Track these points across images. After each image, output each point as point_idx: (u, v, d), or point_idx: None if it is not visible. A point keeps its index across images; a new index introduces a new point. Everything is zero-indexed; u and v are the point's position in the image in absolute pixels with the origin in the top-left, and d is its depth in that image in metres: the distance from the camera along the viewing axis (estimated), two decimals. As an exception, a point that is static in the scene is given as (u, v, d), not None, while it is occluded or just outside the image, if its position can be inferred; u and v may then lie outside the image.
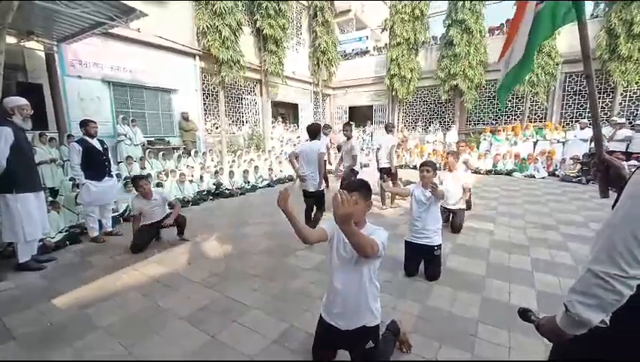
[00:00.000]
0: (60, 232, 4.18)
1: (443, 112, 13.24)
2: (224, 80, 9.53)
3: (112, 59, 7.67)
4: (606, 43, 9.40)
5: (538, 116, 11.46)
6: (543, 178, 8.66)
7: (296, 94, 13.82)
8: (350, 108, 15.79)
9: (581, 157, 8.35)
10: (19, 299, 2.73)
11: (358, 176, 5.08)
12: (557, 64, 10.22)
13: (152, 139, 8.53)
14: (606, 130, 8.25)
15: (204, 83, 10.01)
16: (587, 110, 10.45)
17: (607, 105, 10.17)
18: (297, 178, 4.34)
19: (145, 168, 6.92)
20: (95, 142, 4.13)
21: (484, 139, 10.97)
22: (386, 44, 13.81)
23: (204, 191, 6.75)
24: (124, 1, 4.71)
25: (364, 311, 1.60)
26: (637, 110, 9.83)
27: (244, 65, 9.87)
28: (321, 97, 15.03)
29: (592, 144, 8.10)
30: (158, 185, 5.98)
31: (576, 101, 10.75)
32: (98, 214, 4.24)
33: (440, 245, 2.98)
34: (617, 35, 9.13)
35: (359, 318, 1.60)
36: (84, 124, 4.10)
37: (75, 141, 4.15)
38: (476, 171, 8.96)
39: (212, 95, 10.38)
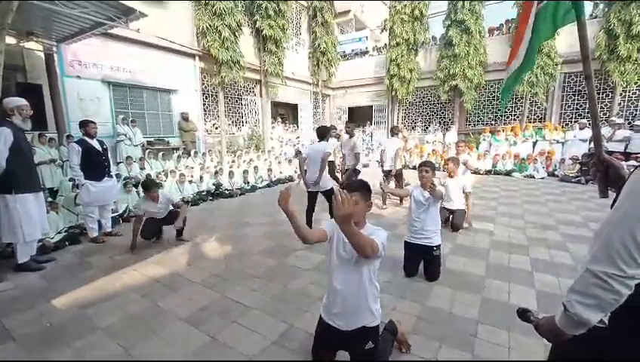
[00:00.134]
0: (59, 233, 4.18)
1: (442, 113, 13.25)
2: (224, 80, 9.53)
3: (112, 60, 7.67)
4: (605, 43, 9.42)
5: (537, 116, 11.48)
6: (543, 178, 8.67)
7: (295, 95, 13.82)
8: (350, 108, 15.79)
9: (580, 158, 8.37)
10: (18, 300, 2.73)
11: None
12: (556, 64, 10.24)
13: (152, 139, 8.53)
14: (605, 131, 8.26)
15: (203, 83, 10.01)
16: (586, 110, 10.46)
17: (606, 105, 10.19)
18: (300, 179, 4.39)
19: (144, 168, 6.92)
20: (94, 143, 4.12)
21: (484, 140, 10.98)
22: (385, 45, 13.83)
23: (203, 191, 6.75)
24: (124, 2, 4.71)
25: (363, 312, 1.60)
26: (636, 110, 9.84)
27: (243, 65, 9.87)
28: (320, 98, 15.04)
29: (591, 144, 8.10)
30: (158, 185, 5.98)
31: (576, 101, 10.77)
32: (97, 214, 4.24)
33: (439, 245, 2.98)
34: (616, 36, 9.15)
35: (359, 318, 1.60)
36: (84, 124, 4.10)
37: (75, 141, 4.15)
38: (476, 171, 8.96)
39: (212, 95, 10.38)
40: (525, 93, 10.67)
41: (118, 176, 5.60)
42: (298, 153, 8.59)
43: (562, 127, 10.30)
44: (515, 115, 11.85)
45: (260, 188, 7.76)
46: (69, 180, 5.35)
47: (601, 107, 10.11)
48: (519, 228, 4.46)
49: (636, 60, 9.06)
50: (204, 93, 10.11)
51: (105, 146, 4.28)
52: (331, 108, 16.08)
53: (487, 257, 3.49)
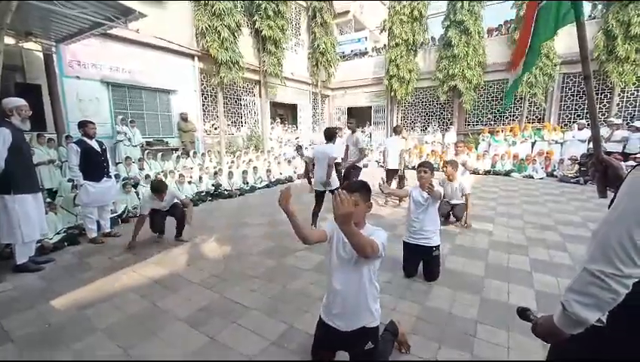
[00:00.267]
0: (58, 233, 4.17)
1: (442, 113, 13.27)
2: (223, 81, 9.52)
3: (111, 60, 7.66)
4: (603, 44, 9.45)
5: (536, 117, 11.50)
6: (542, 178, 8.68)
7: (295, 95, 13.82)
8: (349, 108, 15.80)
9: (579, 158, 8.39)
10: (17, 301, 2.72)
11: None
12: (555, 65, 10.26)
13: (151, 139, 8.53)
14: (603, 131, 8.28)
15: (202, 84, 10.01)
16: (585, 111, 10.50)
17: (604, 106, 10.21)
18: (301, 180, 4.46)
19: (143, 169, 6.91)
20: (94, 143, 4.11)
21: (483, 140, 11.00)
22: (384, 45, 13.83)
23: (202, 192, 6.74)
24: (123, 2, 4.71)
25: (363, 312, 1.59)
26: (634, 111, 9.87)
27: (243, 66, 9.87)
28: (320, 98, 15.04)
29: (590, 145, 8.11)
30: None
31: (574, 102, 10.79)
32: (96, 215, 4.23)
33: (438, 246, 2.98)
34: (615, 37, 9.18)
35: (359, 319, 1.59)
36: (83, 124, 4.09)
37: (74, 142, 4.14)
38: (475, 172, 8.98)
39: (211, 96, 10.38)
40: (524, 93, 10.69)
41: (117, 176, 5.60)
42: (299, 148, 8.59)
43: (561, 127, 10.32)
44: (514, 115, 11.87)
45: (259, 188, 7.76)
46: (68, 181, 5.34)
47: (600, 108, 10.13)
48: (518, 229, 4.47)
49: (634, 61, 9.09)
50: (203, 94, 10.11)
51: (104, 147, 4.27)
52: (330, 108, 16.09)
53: (487, 257, 3.49)
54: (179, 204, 4.22)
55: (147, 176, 6.29)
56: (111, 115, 7.78)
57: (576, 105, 10.78)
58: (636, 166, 0.85)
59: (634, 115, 9.78)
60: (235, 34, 9.46)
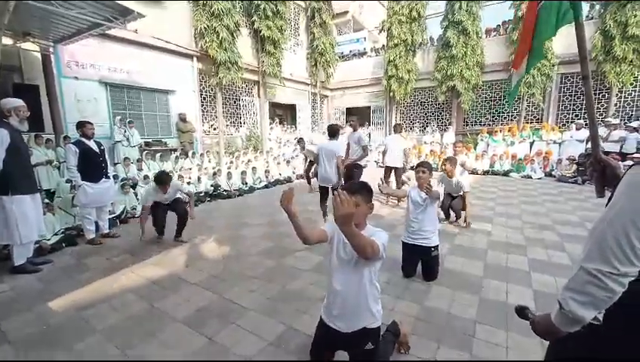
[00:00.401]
0: (56, 234, 4.15)
1: (440, 113, 13.30)
2: (222, 81, 9.51)
3: (109, 61, 7.65)
4: (601, 44, 9.49)
5: (534, 117, 11.53)
6: (540, 178, 8.71)
7: (293, 95, 13.82)
8: (348, 109, 15.81)
9: (577, 158, 8.42)
10: (14, 302, 2.71)
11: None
12: (553, 65, 10.29)
13: (150, 140, 8.51)
14: (601, 131, 8.31)
15: (201, 84, 10.00)
16: (583, 111, 10.53)
17: (602, 106, 10.25)
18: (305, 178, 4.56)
19: (142, 170, 6.89)
20: (92, 144, 4.10)
21: (481, 140, 11.02)
22: (383, 46, 13.86)
23: (201, 192, 6.72)
24: (121, 2, 4.70)
25: (364, 313, 1.59)
26: (632, 111, 9.91)
27: (241, 66, 9.86)
28: (318, 98, 15.05)
29: (588, 144, 8.15)
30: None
31: (572, 102, 10.83)
32: (95, 216, 4.22)
33: (437, 246, 2.98)
34: (612, 37, 9.22)
35: (359, 320, 1.59)
36: (81, 125, 4.08)
37: (72, 142, 4.13)
38: (473, 172, 9.00)
39: (210, 96, 10.37)
40: (522, 93, 10.72)
41: (115, 177, 5.58)
42: (300, 140, 8.59)
43: (559, 127, 10.36)
44: (512, 115, 11.91)
45: (258, 189, 7.75)
46: (66, 181, 5.32)
47: (597, 108, 10.17)
48: (517, 229, 4.48)
49: (632, 61, 9.13)
50: (202, 94, 10.10)
51: (102, 147, 4.26)
52: (329, 109, 16.10)
53: (485, 257, 3.50)
54: (181, 200, 4.25)
55: (146, 177, 6.27)
56: (109, 115, 7.77)
57: (574, 105, 10.82)
58: (633, 165, 0.86)
59: (631, 115, 9.82)
60: (234, 34, 9.46)
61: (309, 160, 7.78)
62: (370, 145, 13.49)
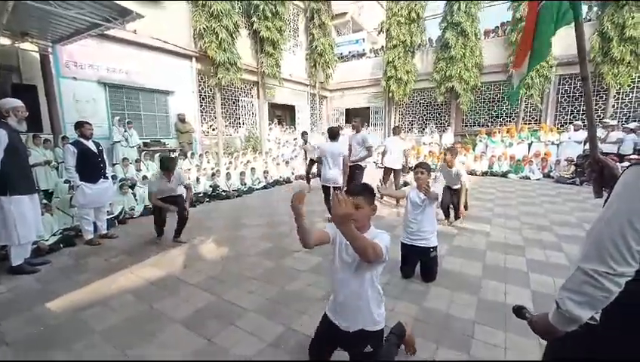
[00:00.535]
0: (54, 235, 4.14)
1: (439, 114, 13.33)
2: (221, 82, 9.51)
3: (108, 61, 7.63)
4: (599, 46, 9.53)
5: (533, 118, 11.57)
6: (538, 179, 8.73)
7: (293, 96, 13.83)
8: (347, 110, 15.83)
9: (575, 159, 8.45)
10: (12, 303, 2.70)
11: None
12: (551, 67, 10.33)
13: (148, 140, 8.49)
14: (599, 132, 8.34)
15: (200, 85, 9.99)
16: (581, 112, 10.58)
17: (600, 107, 10.29)
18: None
19: (141, 170, 6.88)
20: (90, 144, 4.09)
21: (480, 141, 11.05)
22: (382, 47, 13.89)
23: (200, 193, 6.72)
24: (120, 3, 4.69)
25: (364, 315, 1.58)
26: (629, 112, 9.96)
27: (240, 67, 9.85)
28: (318, 99, 15.06)
29: (586, 146, 8.19)
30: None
31: (570, 103, 10.88)
32: (93, 216, 4.21)
33: (436, 246, 2.99)
34: (610, 39, 9.26)
35: (358, 321, 1.58)
36: (79, 125, 4.07)
37: (70, 143, 4.11)
38: (472, 173, 9.02)
39: (209, 97, 10.36)
40: (521, 94, 10.75)
41: (113, 177, 5.57)
42: (304, 134, 8.64)
43: (557, 128, 10.39)
44: (510, 116, 11.95)
45: (257, 189, 7.75)
46: (65, 182, 5.31)
47: (595, 109, 10.21)
48: (515, 229, 4.49)
49: (629, 63, 9.18)
50: (201, 95, 10.09)
51: (100, 148, 4.25)
52: (328, 109, 16.12)
53: (484, 258, 3.51)
54: (183, 198, 4.24)
55: (144, 178, 6.26)
56: (108, 115, 7.75)
57: (572, 106, 10.86)
58: (630, 166, 0.86)
59: (629, 116, 9.87)
60: (233, 35, 9.45)
61: (309, 159, 7.80)
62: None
